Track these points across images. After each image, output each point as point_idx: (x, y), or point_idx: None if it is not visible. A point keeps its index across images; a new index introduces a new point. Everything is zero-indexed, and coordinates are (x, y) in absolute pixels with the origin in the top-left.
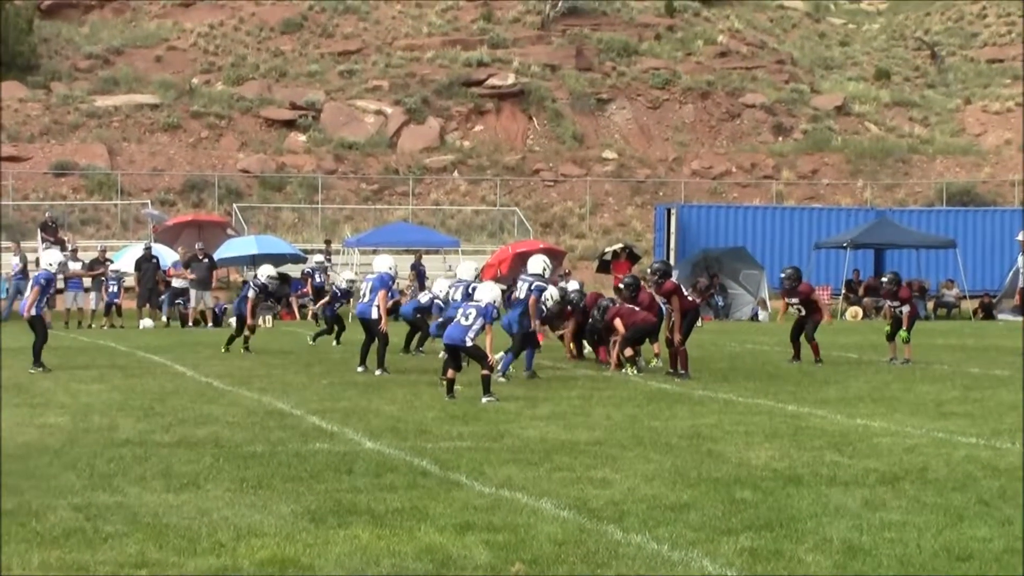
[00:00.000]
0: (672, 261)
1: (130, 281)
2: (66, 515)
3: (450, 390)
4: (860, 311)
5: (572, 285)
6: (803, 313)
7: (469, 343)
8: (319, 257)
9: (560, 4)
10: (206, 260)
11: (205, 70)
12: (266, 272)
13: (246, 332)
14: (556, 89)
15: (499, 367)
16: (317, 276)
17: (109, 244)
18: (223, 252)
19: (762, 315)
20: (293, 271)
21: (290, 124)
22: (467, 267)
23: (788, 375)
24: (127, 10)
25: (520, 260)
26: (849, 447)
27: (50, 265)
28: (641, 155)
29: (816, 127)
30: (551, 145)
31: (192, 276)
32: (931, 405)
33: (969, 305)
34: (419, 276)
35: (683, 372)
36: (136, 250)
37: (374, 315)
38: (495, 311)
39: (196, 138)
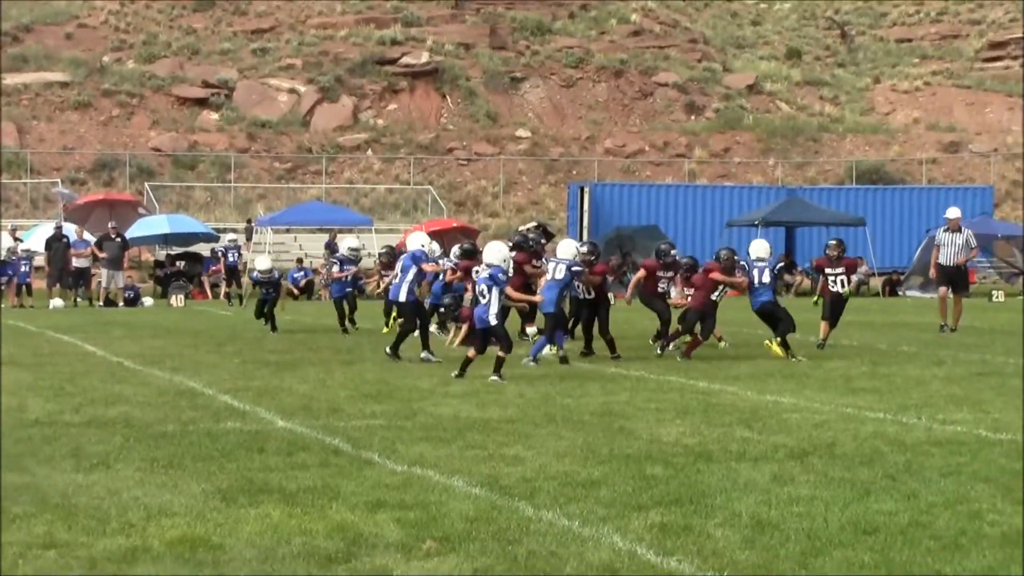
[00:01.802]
0: (585, 239)
1: (40, 260)
2: None
3: (463, 368)
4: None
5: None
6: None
7: (494, 321)
8: (232, 236)
9: None
10: (118, 239)
11: (116, 48)
12: (348, 244)
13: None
14: (470, 68)
15: (529, 354)
16: (230, 255)
17: (19, 223)
18: (135, 231)
19: (674, 292)
20: (205, 250)
21: (202, 102)
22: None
23: (699, 352)
24: None
25: (436, 238)
26: (759, 423)
27: None
28: (554, 134)
29: (728, 106)
30: (465, 124)
31: (103, 255)
32: (840, 381)
33: (878, 282)
34: (333, 254)
35: (617, 355)
36: (46, 229)
37: (402, 297)
38: (501, 273)
39: (107, 116)
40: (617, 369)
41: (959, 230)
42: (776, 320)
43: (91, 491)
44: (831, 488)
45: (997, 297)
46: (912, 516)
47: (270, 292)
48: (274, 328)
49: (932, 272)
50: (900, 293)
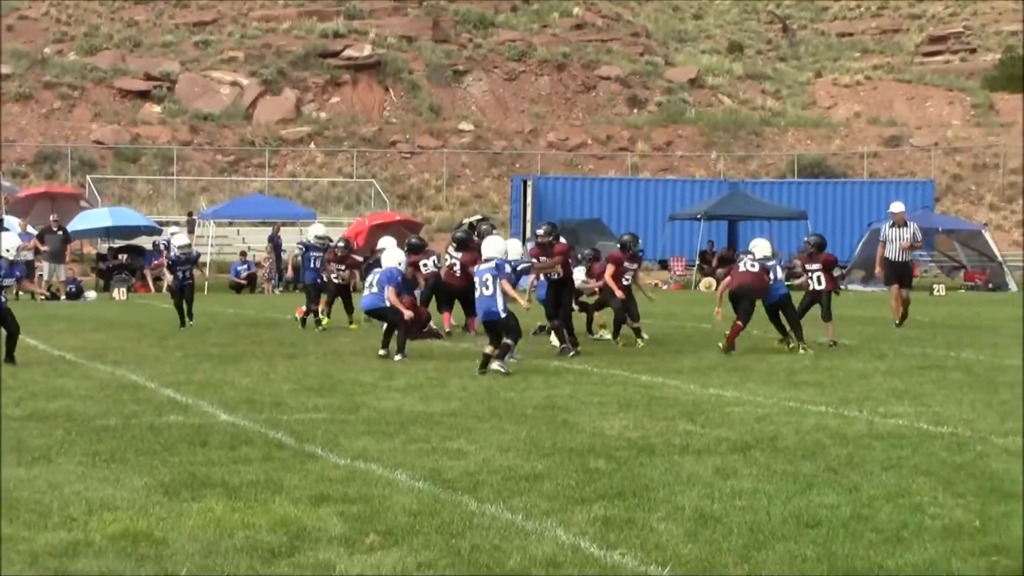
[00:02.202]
0: (527, 233)
1: None
2: None
3: (484, 365)
4: (713, 282)
5: (432, 259)
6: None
7: (504, 314)
8: (174, 229)
9: None
10: (60, 232)
11: (57, 40)
12: (314, 231)
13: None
14: (413, 61)
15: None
16: (172, 248)
17: None
18: (77, 224)
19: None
20: (147, 243)
21: (144, 95)
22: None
23: (647, 347)
24: None
25: (379, 231)
26: (702, 416)
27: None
28: (498, 127)
29: (670, 99)
30: (408, 117)
31: (45, 248)
32: (782, 374)
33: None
34: (276, 248)
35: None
36: None
37: (388, 303)
38: (507, 264)
39: (48, 109)
40: (560, 363)
41: (905, 224)
42: (788, 314)
43: (33, 485)
44: (773, 481)
45: (938, 291)
46: (854, 509)
47: (187, 275)
48: (191, 316)
49: (878, 270)
50: (842, 287)
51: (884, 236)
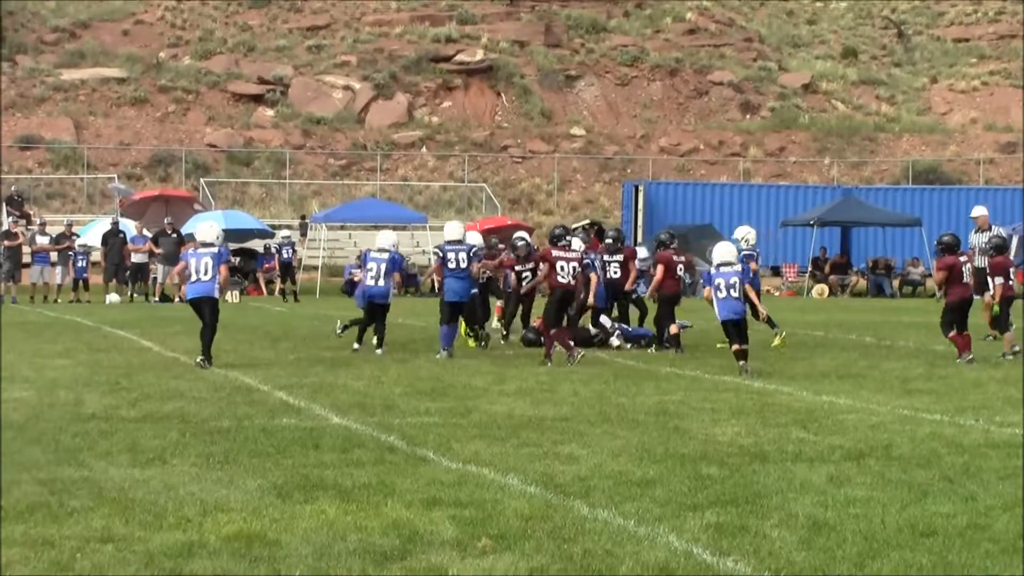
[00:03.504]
0: (640, 238)
1: (97, 255)
2: (31, 490)
3: (744, 360)
4: (826, 289)
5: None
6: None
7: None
8: (286, 232)
9: None
10: (174, 235)
11: (172, 44)
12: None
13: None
14: (524, 65)
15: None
16: (284, 251)
17: (75, 218)
18: (191, 227)
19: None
20: (259, 246)
21: (258, 99)
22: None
23: (754, 352)
24: None
25: (490, 236)
26: (815, 424)
27: None
28: (609, 132)
29: (783, 105)
30: (519, 121)
31: (159, 251)
32: (896, 382)
33: (934, 283)
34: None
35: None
36: (103, 224)
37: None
38: (751, 272)
39: (163, 112)
40: (672, 368)
41: (989, 229)
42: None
43: (148, 486)
44: (888, 490)
45: None
46: (970, 519)
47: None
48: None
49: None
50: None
51: (971, 243)
